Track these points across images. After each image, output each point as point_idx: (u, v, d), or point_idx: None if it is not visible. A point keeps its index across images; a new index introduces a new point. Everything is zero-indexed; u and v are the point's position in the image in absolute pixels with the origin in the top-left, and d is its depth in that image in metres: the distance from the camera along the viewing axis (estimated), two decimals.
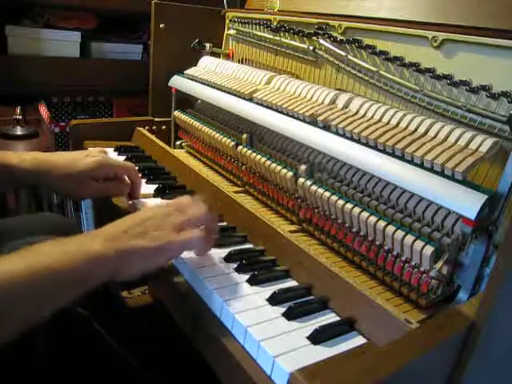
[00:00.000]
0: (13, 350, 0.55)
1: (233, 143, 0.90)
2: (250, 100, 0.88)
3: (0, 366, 0.55)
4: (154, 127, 1.16)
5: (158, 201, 0.81)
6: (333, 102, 0.77)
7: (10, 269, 0.45)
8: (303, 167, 0.75)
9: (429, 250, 0.57)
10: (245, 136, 0.90)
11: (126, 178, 0.79)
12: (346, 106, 0.75)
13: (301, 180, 0.74)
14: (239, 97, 0.90)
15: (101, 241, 0.52)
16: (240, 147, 0.88)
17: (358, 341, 0.51)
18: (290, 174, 0.76)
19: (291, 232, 0.72)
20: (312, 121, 0.74)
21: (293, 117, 0.78)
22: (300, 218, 0.78)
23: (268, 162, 0.80)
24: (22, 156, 0.74)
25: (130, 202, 0.80)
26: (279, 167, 0.78)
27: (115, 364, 0.70)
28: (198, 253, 0.62)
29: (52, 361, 0.61)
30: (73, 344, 0.64)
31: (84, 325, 0.66)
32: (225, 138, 0.92)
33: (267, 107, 0.83)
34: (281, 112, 0.80)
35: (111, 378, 0.69)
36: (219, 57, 1.16)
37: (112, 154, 1.02)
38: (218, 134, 0.94)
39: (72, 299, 0.50)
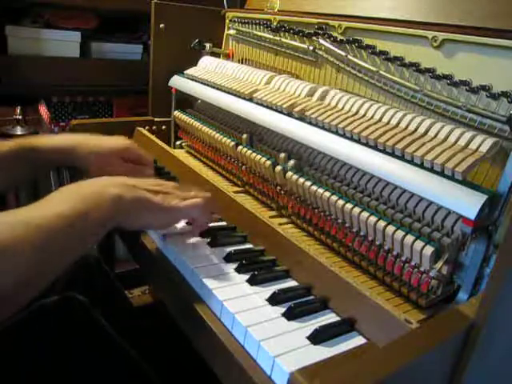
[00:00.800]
0: (12, 336, 0.56)
1: (233, 143, 0.90)
2: (250, 100, 0.88)
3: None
4: (154, 127, 1.16)
5: None
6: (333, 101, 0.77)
7: (60, 211, 0.48)
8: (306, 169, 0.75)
9: (429, 250, 0.57)
10: (245, 136, 0.90)
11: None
12: (345, 106, 0.75)
13: (301, 180, 0.74)
14: (239, 97, 0.90)
15: (120, 186, 0.57)
16: (240, 147, 0.88)
17: (357, 341, 0.51)
18: (289, 173, 0.76)
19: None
20: (311, 121, 0.74)
21: (292, 117, 0.78)
22: (300, 217, 0.78)
23: (268, 162, 0.80)
24: (50, 136, 0.78)
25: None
26: (279, 167, 0.78)
27: (114, 353, 0.70)
28: (196, 224, 0.67)
29: (50, 347, 0.61)
30: (71, 331, 0.64)
31: (84, 313, 0.67)
32: (225, 138, 0.92)
33: (267, 107, 0.83)
34: (280, 112, 0.80)
35: (109, 367, 0.69)
36: (219, 57, 1.16)
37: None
38: (217, 134, 0.94)
39: (92, 243, 0.54)
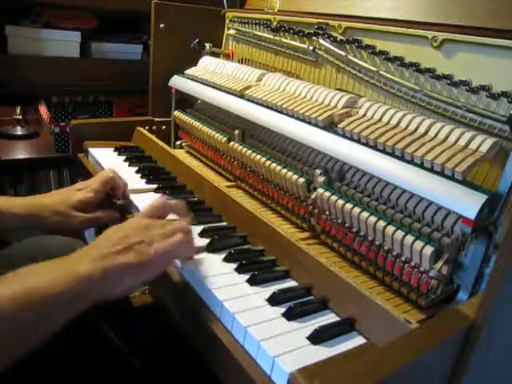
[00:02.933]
0: None
1: (236, 144, 0.90)
2: (249, 100, 0.88)
3: None
4: (153, 127, 1.16)
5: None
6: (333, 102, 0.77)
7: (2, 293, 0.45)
8: (318, 173, 0.74)
9: (429, 250, 0.57)
10: (237, 132, 0.90)
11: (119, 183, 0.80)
12: (346, 106, 0.75)
13: (300, 180, 0.74)
14: (239, 97, 0.90)
15: (88, 261, 0.51)
16: (237, 145, 0.88)
17: (357, 341, 0.51)
18: (302, 180, 0.75)
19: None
20: (312, 121, 0.74)
21: (293, 117, 0.78)
22: (300, 216, 0.78)
23: (273, 165, 0.80)
24: (12, 200, 0.73)
25: (119, 202, 0.80)
26: (279, 167, 0.78)
27: (114, 357, 0.70)
28: (183, 259, 0.62)
29: (48, 348, 0.61)
30: (70, 332, 0.64)
31: (83, 314, 0.67)
32: (225, 138, 0.92)
33: (267, 107, 0.83)
34: (283, 113, 0.80)
35: (107, 370, 0.69)
36: (219, 57, 1.16)
37: (112, 154, 1.02)
38: (217, 134, 0.94)
39: (64, 322, 0.50)
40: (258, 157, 0.83)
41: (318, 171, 0.73)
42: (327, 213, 0.72)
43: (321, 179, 0.73)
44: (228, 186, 0.92)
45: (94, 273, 0.50)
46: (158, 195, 0.83)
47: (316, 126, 0.74)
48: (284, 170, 0.77)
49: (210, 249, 0.66)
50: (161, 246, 0.55)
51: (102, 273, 0.51)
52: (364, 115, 0.71)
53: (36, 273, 0.49)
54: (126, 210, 0.80)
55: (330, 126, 0.72)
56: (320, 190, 0.71)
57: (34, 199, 0.75)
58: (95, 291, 0.51)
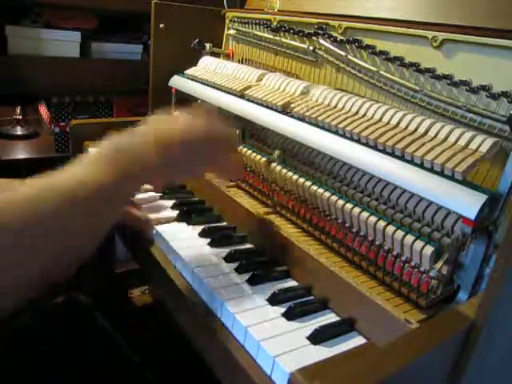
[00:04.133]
0: (17, 337, 0.56)
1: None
2: (248, 99, 0.88)
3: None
4: None
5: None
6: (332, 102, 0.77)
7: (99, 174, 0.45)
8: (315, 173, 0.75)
9: (429, 250, 0.57)
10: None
11: None
12: (346, 105, 0.75)
13: (300, 180, 0.74)
14: (239, 97, 0.90)
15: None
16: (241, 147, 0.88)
17: (357, 341, 0.51)
18: (290, 173, 0.76)
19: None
20: (312, 121, 0.74)
21: (293, 117, 0.78)
22: (300, 216, 0.78)
23: (263, 159, 0.80)
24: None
25: None
26: (279, 167, 0.78)
27: (117, 357, 0.70)
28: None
29: (54, 347, 0.62)
30: (75, 332, 0.64)
31: (88, 314, 0.67)
32: None
33: (267, 107, 0.83)
34: (280, 112, 0.80)
35: (111, 370, 0.69)
36: (219, 57, 1.16)
37: None
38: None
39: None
40: (259, 157, 0.83)
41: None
42: (327, 213, 0.72)
43: (322, 178, 0.73)
44: (228, 186, 0.92)
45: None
46: (157, 195, 0.83)
47: (316, 126, 0.74)
48: (284, 170, 0.78)
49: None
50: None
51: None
52: (364, 115, 0.71)
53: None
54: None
55: (329, 126, 0.72)
56: (320, 190, 0.71)
57: None
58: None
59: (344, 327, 0.53)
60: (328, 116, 0.72)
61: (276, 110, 0.81)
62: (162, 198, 0.82)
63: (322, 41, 0.86)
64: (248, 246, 0.69)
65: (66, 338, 0.63)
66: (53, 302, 0.64)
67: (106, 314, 0.72)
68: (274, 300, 0.55)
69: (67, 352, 0.63)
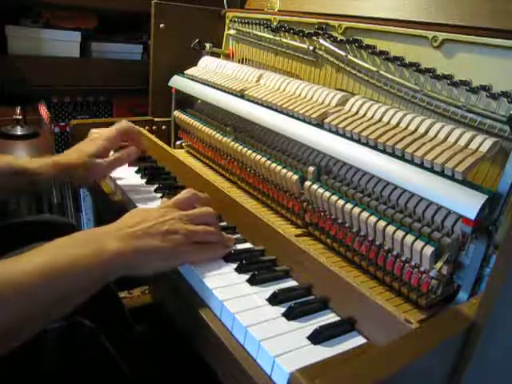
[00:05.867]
0: (19, 361, 0.55)
1: (237, 144, 0.90)
2: (248, 99, 0.88)
3: None
4: (154, 127, 1.16)
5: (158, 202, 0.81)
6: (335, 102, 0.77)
7: (30, 268, 0.45)
8: (311, 169, 0.75)
9: (429, 249, 0.57)
10: (230, 129, 0.90)
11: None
12: (346, 105, 0.75)
13: (294, 177, 0.74)
14: (239, 96, 0.90)
15: (119, 238, 0.53)
16: (240, 147, 0.88)
17: (357, 341, 0.51)
18: (296, 177, 0.76)
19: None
20: (312, 121, 0.74)
21: (293, 117, 0.78)
22: (301, 218, 0.78)
23: (273, 165, 0.80)
24: (37, 161, 0.76)
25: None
26: (279, 167, 0.78)
27: (111, 370, 0.69)
28: (213, 257, 0.62)
29: (56, 372, 0.60)
30: (78, 357, 0.63)
31: (91, 339, 0.65)
32: (225, 138, 0.92)
33: (267, 107, 0.83)
34: (280, 112, 0.80)
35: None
36: (219, 57, 1.16)
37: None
38: (218, 134, 0.95)
39: (89, 295, 0.50)
40: (259, 156, 0.83)
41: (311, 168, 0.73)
42: (328, 213, 0.72)
43: (322, 179, 0.73)
44: (228, 186, 0.92)
45: (124, 250, 0.51)
46: (158, 195, 0.83)
47: (316, 125, 0.74)
48: (279, 167, 0.78)
49: None
50: (190, 238, 0.57)
51: (133, 251, 0.52)
52: (364, 115, 0.71)
53: (62, 248, 0.49)
54: (124, 208, 0.79)
55: (329, 126, 0.72)
56: (320, 190, 0.71)
57: (55, 160, 0.78)
58: (124, 268, 0.52)
59: (344, 327, 0.53)
60: (328, 116, 0.72)
61: (277, 111, 0.81)
62: (161, 198, 0.82)
63: (322, 41, 0.86)
64: (248, 245, 0.69)
65: (68, 363, 0.62)
66: (56, 325, 0.62)
67: (105, 314, 0.72)
68: (274, 300, 0.55)
69: (69, 377, 0.62)
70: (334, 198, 0.68)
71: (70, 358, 0.61)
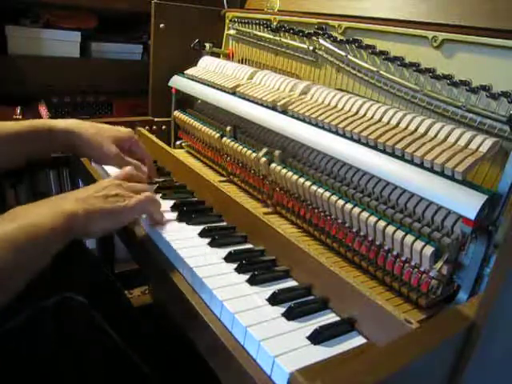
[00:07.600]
0: (12, 337, 0.57)
1: (237, 145, 0.90)
2: (248, 100, 0.88)
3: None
4: (154, 127, 1.16)
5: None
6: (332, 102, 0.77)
7: (4, 230, 0.52)
8: (312, 172, 0.75)
9: (429, 249, 0.57)
10: (228, 128, 0.89)
11: (143, 168, 0.87)
12: (346, 105, 0.75)
13: (300, 180, 0.74)
14: (239, 96, 0.90)
15: (72, 201, 0.62)
16: (238, 146, 0.88)
17: (357, 341, 0.51)
18: (290, 173, 0.76)
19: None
20: (311, 121, 0.74)
21: (292, 117, 0.78)
22: (300, 216, 0.78)
23: (273, 165, 0.80)
24: (61, 120, 0.85)
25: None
26: (279, 167, 0.78)
27: (114, 356, 0.70)
28: (151, 219, 0.72)
29: (49, 348, 0.62)
30: (71, 332, 0.65)
31: (84, 314, 0.67)
32: (224, 138, 0.92)
33: (267, 107, 0.83)
34: (281, 112, 0.80)
35: (109, 369, 0.69)
36: (219, 57, 1.16)
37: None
38: (218, 134, 0.94)
39: (53, 254, 0.58)
40: (260, 157, 0.83)
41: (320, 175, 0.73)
42: (327, 213, 0.72)
43: (322, 178, 0.73)
44: (228, 187, 0.92)
45: (76, 210, 0.61)
46: (158, 195, 0.83)
47: (316, 126, 0.74)
48: (278, 167, 0.78)
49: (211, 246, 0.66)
50: (132, 201, 0.67)
51: (83, 212, 0.61)
52: (364, 115, 0.71)
53: (31, 212, 0.58)
54: None
55: (329, 126, 0.72)
56: (320, 190, 0.71)
57: (79, 122, 0.86)
58: (78, 227, 0.61)
59: (344, 327, 0.53)
60: (328, 116, 0.72)
61: (275, 109, 0.81)
62: (162, 198, 0.82)
63: (322, 41, 0.86)
64: (248, 245, 0.69)
65: (61, 338, 0.63)
66: (48, 301, 0.64)
67: (104, 314, 0.72)
68: (274, 300, 0.55)
69: (62, 352, 0.63)
70: (334, 197, 0.68)
71: (62, 333, 0.64)
